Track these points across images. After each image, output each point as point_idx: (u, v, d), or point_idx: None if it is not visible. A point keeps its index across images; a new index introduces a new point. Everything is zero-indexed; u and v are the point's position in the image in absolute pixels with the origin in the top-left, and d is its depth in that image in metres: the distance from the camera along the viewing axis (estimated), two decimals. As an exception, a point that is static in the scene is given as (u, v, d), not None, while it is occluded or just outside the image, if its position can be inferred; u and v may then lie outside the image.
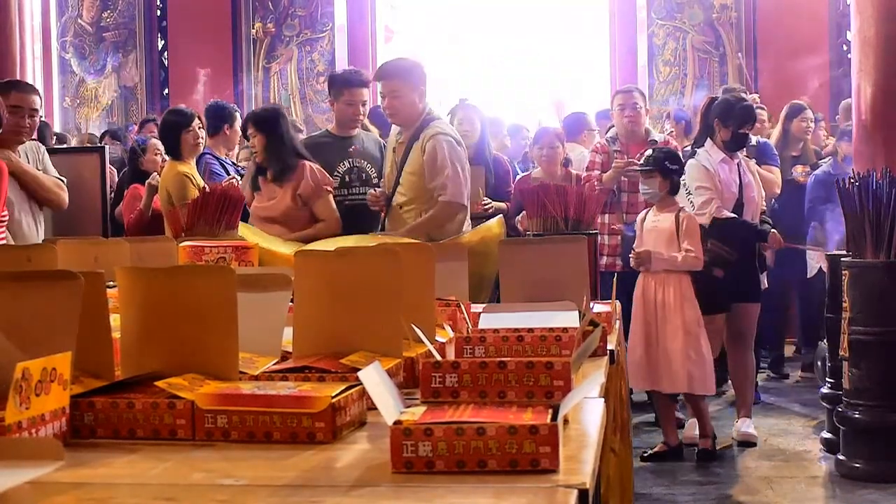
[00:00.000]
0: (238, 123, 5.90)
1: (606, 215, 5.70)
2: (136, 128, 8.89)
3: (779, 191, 6.33)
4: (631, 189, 5.69)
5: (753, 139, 6.12)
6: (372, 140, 5.21)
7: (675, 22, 9.44)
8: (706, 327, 4.84)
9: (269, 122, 4.88)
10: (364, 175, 4.99)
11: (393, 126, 4.83)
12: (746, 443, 5.10)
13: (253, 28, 9.96)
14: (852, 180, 4.58)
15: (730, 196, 5.11)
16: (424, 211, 4.53)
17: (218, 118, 5.87)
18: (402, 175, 4.59)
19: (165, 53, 10.25)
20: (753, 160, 5.69)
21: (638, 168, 5.11)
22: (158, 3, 10.23)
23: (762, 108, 7.06)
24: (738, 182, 5.15)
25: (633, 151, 5.74)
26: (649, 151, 5.36)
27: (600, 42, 10.11)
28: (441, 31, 11.28)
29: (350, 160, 5.00)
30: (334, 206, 4.76)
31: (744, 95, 6.31)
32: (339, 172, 4.96)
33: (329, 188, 4.75)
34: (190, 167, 5.22)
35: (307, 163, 4.78)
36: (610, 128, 6.31)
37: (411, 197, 4.56)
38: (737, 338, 5.23)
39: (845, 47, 8.69)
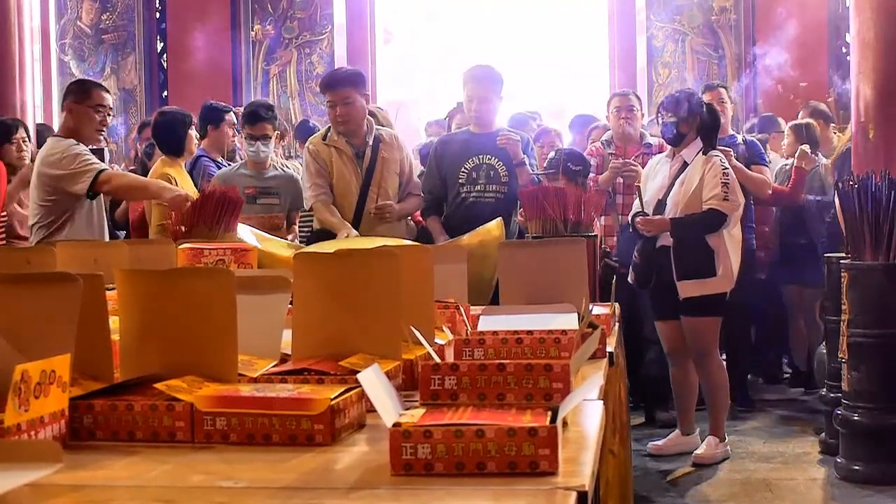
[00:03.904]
0: (223, 124, 5.79)
1: (602, 217, 5.68)
2: (134, 131, 8.87)
3: (770, 191, 5.87)
4: (626, 191, 5.68)
5: (739, 137, 6.01)
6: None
7: (675, 24, 9.45)
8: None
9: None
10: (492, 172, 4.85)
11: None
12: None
13: (252, 30, 9.96)
14: (851, 182, 4.58)
15: (651, 195, 4.88)
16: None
17: (202, 119, 5.75)
18: (375, 178, 4.57)
19: (164, 55, 10.25)
20: (714, 159, 4.78)
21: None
22: (158, 5, 10.23)
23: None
24: (668, 184, 4.81)
25: (628, 154, 5.75)
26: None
27: (599, 44, 10.12)
28: (440, 33, 11.29)
29: (478, 156, 4.85)
30: None
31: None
32: (465, 168, 4.84)
33: None
34: (176, 169, 5.16)
35: None
36: (603, 130, 6.30)
37: (391, 196, 4.62)
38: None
39: (844, 49, 8.69)
